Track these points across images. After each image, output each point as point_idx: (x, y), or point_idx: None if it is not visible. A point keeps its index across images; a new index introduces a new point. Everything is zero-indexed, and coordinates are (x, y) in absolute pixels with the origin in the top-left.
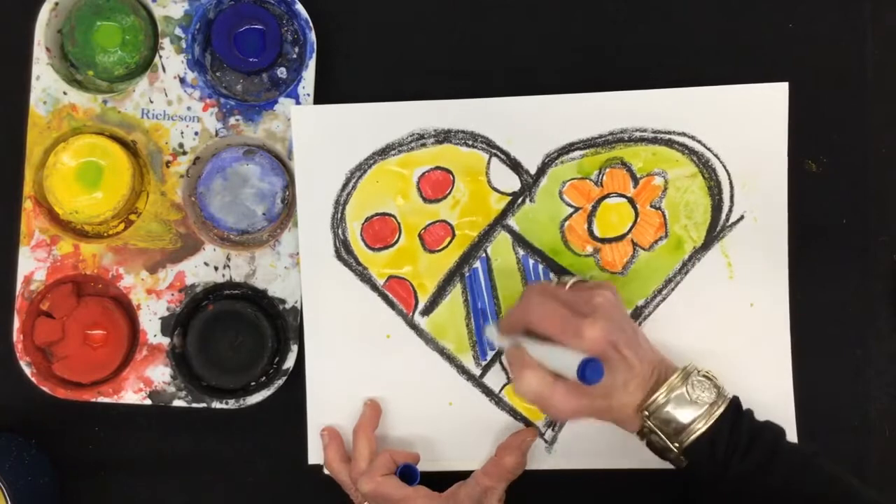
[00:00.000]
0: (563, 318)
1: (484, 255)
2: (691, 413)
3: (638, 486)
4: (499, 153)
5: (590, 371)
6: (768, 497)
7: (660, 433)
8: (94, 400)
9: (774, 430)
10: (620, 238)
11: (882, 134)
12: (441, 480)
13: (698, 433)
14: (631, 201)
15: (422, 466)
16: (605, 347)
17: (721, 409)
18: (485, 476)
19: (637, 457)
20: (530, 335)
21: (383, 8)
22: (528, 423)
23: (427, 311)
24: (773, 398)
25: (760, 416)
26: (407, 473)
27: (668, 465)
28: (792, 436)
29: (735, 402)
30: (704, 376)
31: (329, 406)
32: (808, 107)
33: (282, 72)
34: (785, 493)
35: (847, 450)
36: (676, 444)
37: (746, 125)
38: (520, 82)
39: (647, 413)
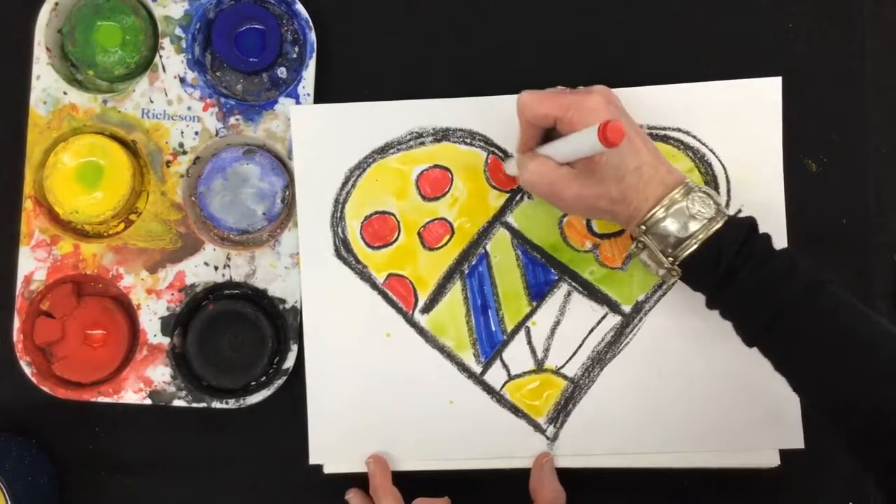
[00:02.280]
0: (559, 95)
1: (483, 252)
2: (692, 225)
3: (639, 484)
4: (497, 151)
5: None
6: (790, 305)
7: (654, 247)
8: (94, 400)
9: (792, 257)
10: (619, 234)
11: (882, 134)
12: (441, 481)
13: (697, 244)
14: None
15: (422, 466)
16: (612, 113)
17: (720, 224)
18: None
19: (640, 455)
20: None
21: (383, 8)
22: (529, 420)
23: (427, 308)
24: (779, 396)
25: (765, 411)
26: None
27: (668, 465)
28: (799, 436)
29: (748, 221)
30: (705, 192)
31: (329, 406)
32: (808, 106)
33: (282, 72)
34: (807, 303)
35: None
36: (671, 259)
37: (741, 120)
38: (518, 80)
39: (644, 227)
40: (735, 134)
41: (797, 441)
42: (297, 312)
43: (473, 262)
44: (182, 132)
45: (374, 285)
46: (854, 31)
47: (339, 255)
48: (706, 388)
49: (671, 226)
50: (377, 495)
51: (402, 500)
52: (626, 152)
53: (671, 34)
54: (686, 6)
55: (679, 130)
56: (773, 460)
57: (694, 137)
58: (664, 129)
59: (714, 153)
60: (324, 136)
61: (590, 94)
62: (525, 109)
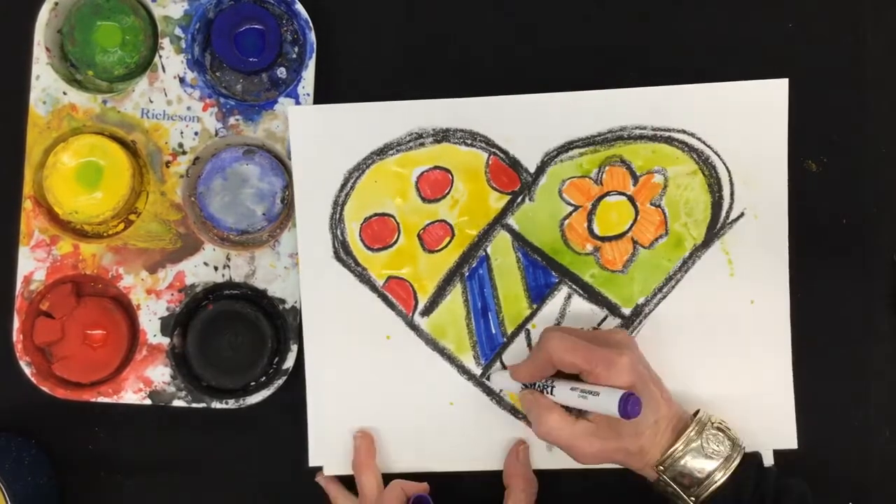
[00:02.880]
0: (589, 349)
1: (484, 254)
2: (709, 465)
3: (638, 485)
4: (498, 152)
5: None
6: None
7: (675, 486)
8: (93, 400)
9: (801, 489)
10: (620, 236)
11: (882, 134)
12: (440, 481)
13: (717, 485)
14: (631, 199)
15: (423, 467)
16: (636, 379)
17: (737, 462)
18: None
19: None
20: (550, 381)
21: (383, 8)
22: (529, 423)
23: (427, 311)
24: (773, 396)
25: (760, 412)
26: None
27: None
28: (792, 435)
29: (756, 458)
30: (718, 428)
31: (329, 407)
32: (809, 107)
33: (281, 72)
34: None
35: (847, 450)
36: (693, 498)
37: (746, 122)
38: (519, 81)
39: (661, 468)
40: (740, 136)
41: (790, 441)
42: (296, 313)
43: (474, 265)
44: (182, 132)
45: (373, 288)
46: (854, 32)
47: (338, 258)
48: (703, 390)
49: (690, 463)
50: (358, 471)
51: (381, 480)
52: (647, 406)
53: (671, 34)
54: (686, 6)
55: (683, 132)
56: (767, 460)
57: (698, 139)
58: (668, 130)
59: (718, 155)
60: (322, 137)
61: (620, 355)
62: (553, 353)
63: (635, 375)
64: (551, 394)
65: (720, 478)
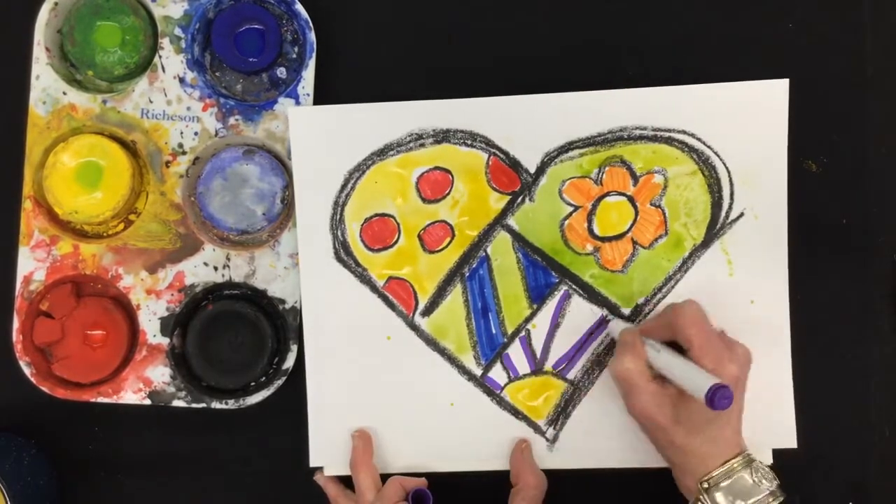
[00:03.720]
0: (711, 335)
1: (484, 254)
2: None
3: (638, 485)
4: (498, 152)
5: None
6: None
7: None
8: (93, 400)
9: None
10: (620, 236)
11: (882, 134)
12: (440, 482)
13: None
14: (631, 199)
15: (423, 467)
16: (738, 380)
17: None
18: None
19: (640, 456)
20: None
21: (383, 8)
22: (529, 422)
23: (427, 311)
24: (773, 395)
25: (759, 412)
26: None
27: (667, 465)
28: (791, 435)
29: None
30: (769, 467)
31: (329, 407)
32: (808, 107)
33: (281, 72)
34: None
35: (847, 450)
36: None
37: (747, 122)
38: (519, 81)
39: (705, 485)
40: (740, 136)
41: (790, 441)
42: (296, 313)
43: (474, 265)
44: (181, 132)
45: (374, 288)
46: (855, 32)
47: (338, 258)
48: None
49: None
50: (355, 470)
51: (378, 478)
52: (718, 417)
53: (672, 35)
54: (686, 6)
55: (683, 132)
56: (766, 459)
57: (698, 139)
58: (668, 130)
59: (718, 155)
60: (323, 137)
61: (731, 361)
62: (680, 317)
63: (742, 375)
64: (656, 353)
65: None
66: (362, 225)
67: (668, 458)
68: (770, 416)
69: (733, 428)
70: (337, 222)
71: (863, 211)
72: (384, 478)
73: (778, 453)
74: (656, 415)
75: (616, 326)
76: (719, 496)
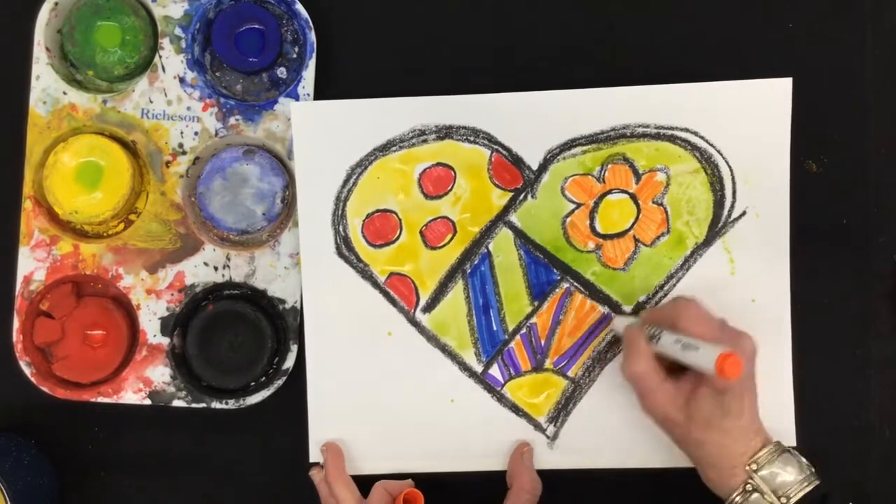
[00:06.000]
0: (717, 328)
1: (485, 251)
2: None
3: (638, 484)
4: (500, 149)
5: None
6: None
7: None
8: (93, 400)
9: None
10: (622, 234)
11: (882, 134)
12: (441, 481)
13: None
14: (633, 197)
15: (423, 466)
16: (738, 384)
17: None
18: None
19: (640, 455)
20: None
21: (383, 8)
22: (529, 419)
23: (428, 308)
24: (773, 394)
25: (760, 411)
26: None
27: (667, 465)
28: (791, 434)
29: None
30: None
31: (329, 405)
32: (809, 107)
33: (282, 72)
34: None
35: (847, 450)
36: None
37: (750, 121)
38: (521, 78)
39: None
40: (743, 135)
41: (789, 440)
42: (296, 313)
43: (476, 262)
44: (182, 132)
45: (375, 284)
46: (855, 32)
47: (340, 254)
48: None
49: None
50: (332, 485)
51: (354, 486)
52: (730, 412)
53: (671, 34)
54: (687, 6)
55: (686, 130)
56: None
57: (701, 138)
58: (671, 128)
59: (721, 153)
60: (325, 133)
61: (738, 356)
62: (681, 315)
63: (741, 380)
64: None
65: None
66: (364, 220)
67: (688, 453)
68: (770, 414)
69: (749, 417)
70: (339, 218)
71: (863, 211)
72: (376, 478)
73: None
74: (672, 413)
75: (619, 322)
76: (765, 475)
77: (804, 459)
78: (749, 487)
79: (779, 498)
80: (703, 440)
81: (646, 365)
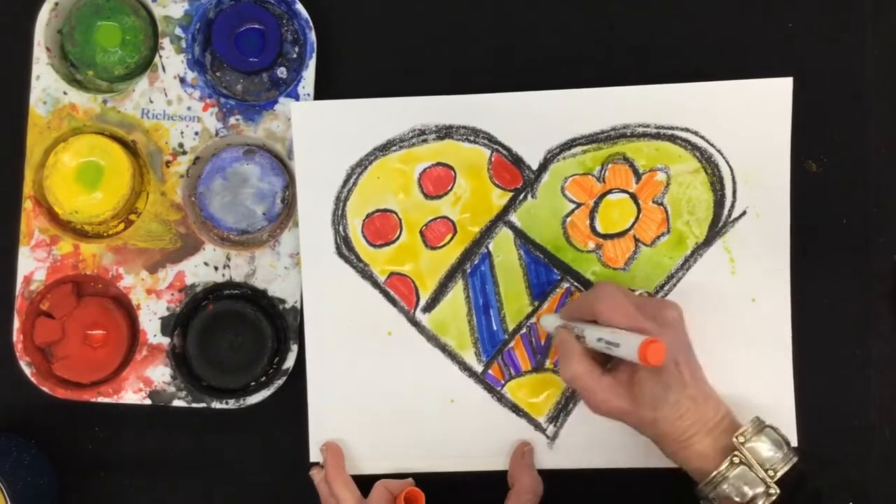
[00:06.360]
0: (633, 317)
1: (485, 251)
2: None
3: (638, 484)
4: (500, 149)
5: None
6: None
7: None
8: (94, 400)
9: None
10: (622, 234)
11: (882, 134)
12: (441, 480)
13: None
14: (633, 197)
15: (423, 466)
16: (668, 360)
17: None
18: None
19: (640, 456)
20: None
21: (383, 8)
22: (529, 419)
23: (428, 307)
24: (774, 394)
25: (760, 410)
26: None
27: (667, 465)
28: (792, 434)
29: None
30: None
31: (329, 405)
32: (809, 107)
33: (282, 72)
34: None
35: (847, 450)
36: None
37: (750, 120)
38: (521, 78)
39: (701, 488)
40: (743, 134)
41: (790, 440)
42: (296, 312)
43: (476, 262)
44: (182, 132)
45: (375, 284)
46: (855, 31)
47: (340, 254)
48: None
49: (729, 489)
50: (332, 485)
51: (354, 486)
52: (672, 386)
53: (671, 34)
54: (687, 6)
55: (687, 130)
56: None
57: (702, 137)
58: (672, 128)
59: (721, 153)
60: (325, 132)
61: (658, 334)
62: (597, 306)
63: (669, 357)
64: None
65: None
66: (364, 220)
67: (650, 437)
68: (770, 414)
69: (695, 386)
70: (339, 217)
71: (863, 211)
72: (376, 478)
73: None
74: (619, 404)
75: (546, 321)
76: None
77: (784, 435)
78: (736, 460)
79: (766, 471)
80: (656, 419)
81: (580, 365)
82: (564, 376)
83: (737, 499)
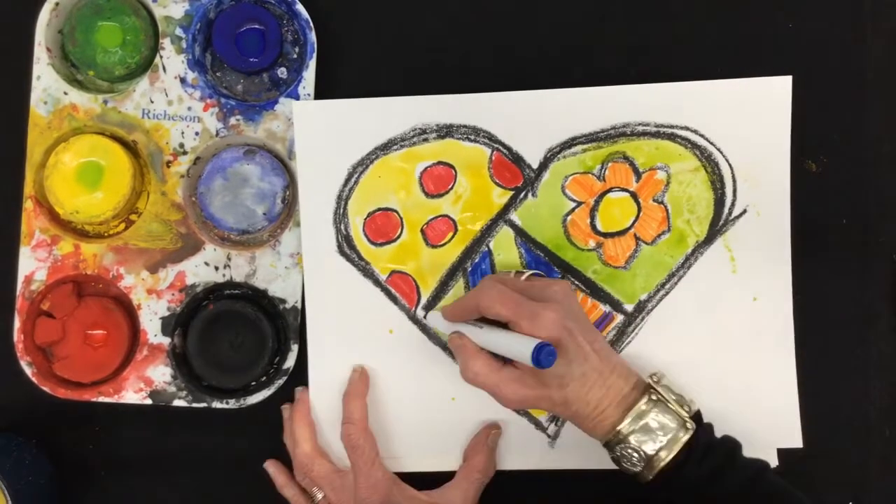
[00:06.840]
0: (516, 302)
1: (486, 249)
2: (653, 446)
3: (640, 486)
4: (501, 147)
5: (544, 355)
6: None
7: (623, 465)
8: (94, 400)
9: (730, 443)
10: (623, 232)
11: (882, 134)
12: (444, 478)
13: (667, 460)
14: (633, 196)
15: (424, 465)
16: (561, 332)
17: (687, 437)
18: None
19: None
20: (479, 323)
21: (383, 8)
22: (530, 418)
23: (429, 306)
24: (777, 393)
25: (763, 410)
26: None
27: None
28: (797, 434)
29: (707, 432)
30: (664, 402)
31: (330, 403)
32: (809, 107)
33: (282, 72)
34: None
35: (847, 450)
36: (642, 472)
37: (750, 119)
38: (522, 77)
39: (609, 445)
40: (743, 133)
41: (795, 440)
42: (297, 312)
43: (476, 260)
44: (182, 132)
45: (376, 282)
46: (855, 32)
47: (341, 252)
48: (706, 388)
49: (634, 443)
50: (349, 398)
51: (314, 431)
52: (573, 359)
53: (671, 33)
54: (686, 5)
55: (686, 129)
56: (772, 460)
57: (701, 136)
58: (671, 126)
59: (721, 152)
60: (326, 132)
61: (545, 309)
62: (481, 300)
63: (559, 329)
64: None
65: (665, 457)
66: (365, 219)
67: (569, 420)
68: (774, 414)
69: (597, 358)
70: (340, 216)
71: (863, 211)
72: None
73: (784, 453)
74: (527, 393)
75: (432, 319)
76: (621, 454)
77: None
78: (654, 398)
79: (682, 407)
80: (566, 397)
81: (479, 364)
82: (466, 378)
83: (659, 433)
